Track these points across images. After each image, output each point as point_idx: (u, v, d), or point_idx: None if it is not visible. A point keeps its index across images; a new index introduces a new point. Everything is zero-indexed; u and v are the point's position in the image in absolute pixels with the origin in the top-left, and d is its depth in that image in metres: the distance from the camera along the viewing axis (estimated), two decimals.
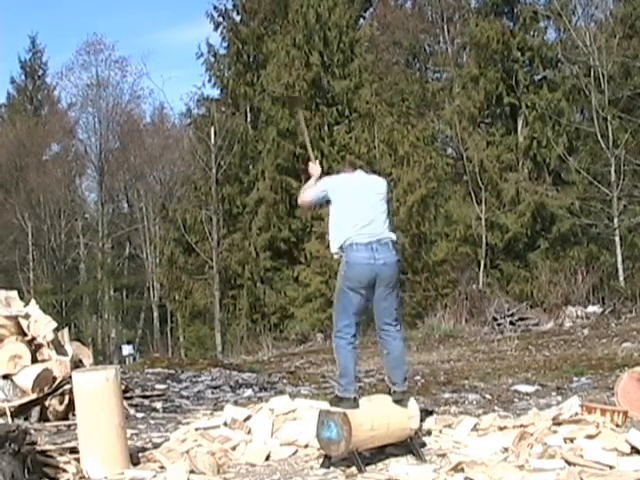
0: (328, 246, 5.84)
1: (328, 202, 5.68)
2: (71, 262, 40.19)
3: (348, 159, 5.55)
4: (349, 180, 5.74)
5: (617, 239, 23.98)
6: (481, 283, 23.65)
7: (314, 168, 5.92)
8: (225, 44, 31.22)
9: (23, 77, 45.93)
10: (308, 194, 5.84)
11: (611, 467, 4.99)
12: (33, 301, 8.50)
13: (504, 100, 27.59)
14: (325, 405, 6.04)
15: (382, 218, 5.59)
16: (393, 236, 5.61)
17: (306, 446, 5.85)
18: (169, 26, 70.44)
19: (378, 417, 5.42)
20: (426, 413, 6.78)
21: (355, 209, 5.53)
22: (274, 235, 27.95)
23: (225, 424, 6.16)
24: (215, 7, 30.97)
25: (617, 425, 5.89)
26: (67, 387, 7.42)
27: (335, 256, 5.60)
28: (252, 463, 5.65)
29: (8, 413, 7.25)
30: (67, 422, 7.34)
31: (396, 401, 5.58)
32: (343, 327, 5.44)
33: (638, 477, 4.81)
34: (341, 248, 5.48)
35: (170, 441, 6.13)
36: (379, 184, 5.77)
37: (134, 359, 25.45)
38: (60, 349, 8.13)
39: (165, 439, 6.33)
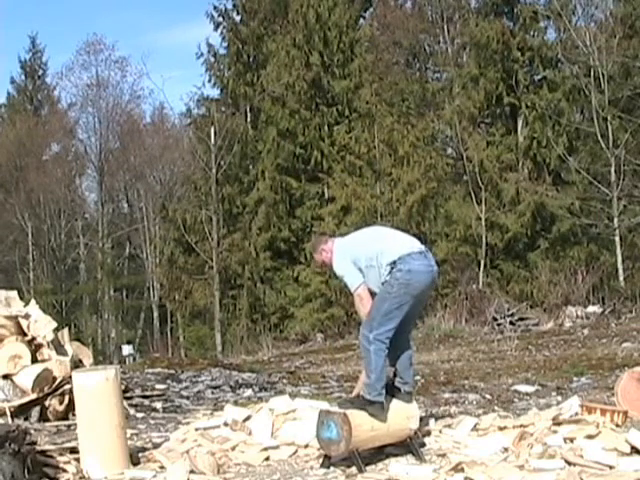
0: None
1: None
2: (71, 262, 40.17)
3: (315, 242, 5.55)
4: (349, 236, 5.84)
5: (617, 239, 23.97)
6: (481, 283, 23.65)
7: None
8: (225, 44, 31.26)
9: (23, 77, 45.93)
10: (356, 287, 5.51)
11: (611, 467, 4.99)
12: (33, 301, 8.50)
13: (504, 100, 27.58)
14: (325, 405, 6.04)
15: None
16: None
17: (306, 446, 5.85)
18: (169, 26, 70.54)
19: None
20: (426, 413, 6.78)
21: (381, 232, 5.83)
22: (274, 235, 27.95)
23: (225, 424, 6.16)
24: (215, 7, 31.05)
25: (617, 425, 5.89)
26: (67, 387, 7.42)
27: (387, 277, 5.48)
28: (252, 463, 5.65)
29: (8, 413, 7.25)
30: (67, 422, 7.34)
31: (404, 401, 5.60)
32: (386, 332, 5.38)
33: (638, 477, 4.81)
34: (393, 262, 5.44)
35: (170, 441, 6.13)
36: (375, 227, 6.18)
37: (134, 359, 25.42)
38: (60, 349, 8.13)
39: (165, 439, 6.33)
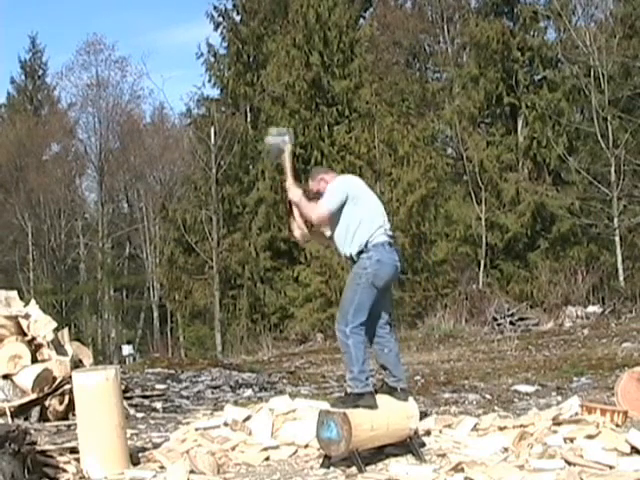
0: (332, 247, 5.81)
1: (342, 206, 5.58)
2: (71, 262, 40.17)
3: (316, 170, 5.44)
4: (357, 180, 5.83)
5: (617, 239, 23.97)
6: (481, 283, 23.66)
7: (293, 191, 5.74)
8: (225, 44, 31.25)
9: (23, 77, 45.92)
10: (325, 206, 5.55)
11: (611, 467, 4.99)
12: (33, 301, 8.50)
13: (504, 100, 27.59)
14: (325, 405, 6.03)
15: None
16: None
17: (306, 446, 5.85)
18: (169, 26, 70.55)
19: (378, 417, 5.41)
20: (426, 413, 6.78)
21: (377, 207, 5.67)
22: (274, 235, 27.93)
23: (225, 424, 6.16)
24: (215, 7, 31.03)
25: (617, 425, 5.89)
26: (67, 387, 7.42)
27: (352, 254, 5.53)
28: (252, 463, 5.65)
29: (8, 413, 7.25)
30: (67, 422, 7.34)
31: (401, 399, 5.60)
32: (359, 324, 5.44)
33: (638, 477, 4.82)
34: (366, 245, 5.48)
35: (170, 441, 6.14)
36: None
37: (134, 359, 25.41)
38: (60, 349, 8.13)
39: (165, 439, 6.33)
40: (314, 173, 5.94)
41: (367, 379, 5.44)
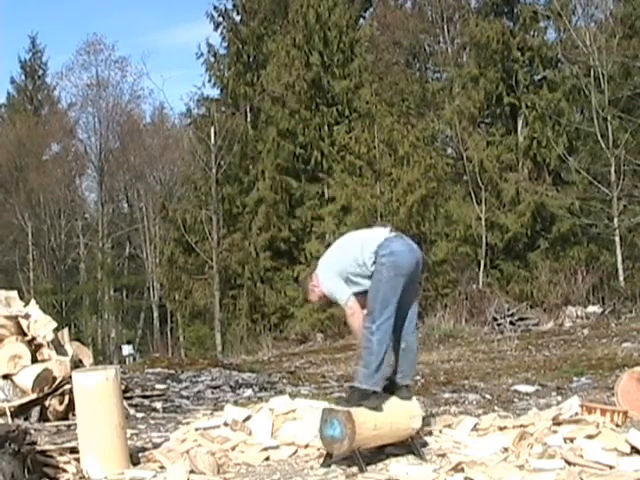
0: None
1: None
2: (71, 262, 40.18)
3: (302, 284, 5.56)
4: (331, 251, 5.80)
5: (617, 239, 23.97)
6: (481, 283, 23.66)
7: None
8: (225, 44, 31.26)
9: (23, 77, 45.92)
10: (347, 306, 5.46)
11: (611, 467, 4.99)
12: (33, 301, 8.50)
13: (504, 100, 27.60)
14: (325, 404, 6.03)
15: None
16: None
17: (306, 446, 5.84)
18: (169, 26, 70.57)
19: (381, 416, 5.40)
20: (426, 413, 6.78)
21: (355, 234, 5.80)
22: (274, 235, 27.93)
23: (225, 424, 6.16)
24: (215, 7, 31.04)
25: (617, 425, 5.89)
26: (67, 387, 7.42)
27: (373, 267, 5.47)
28: (252, 463, 5.65)
29: (8, 413, 7.25)
30: (67, 422, 7.34)
31: (404, 397, 5.58)
32: (386, 319, 5.34)
33: (638, 477, 4.81)
34: (374, 253, 5.44)
35: (170, 441, 6.13)
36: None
37: (134, 359, 25.43)
38: (60, 349, 8.13)
39: (165, 439, 6.33)
40: (305, 289, 5.98)
41: (379, 380, 5.39)
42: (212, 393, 9.64)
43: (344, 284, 5.47)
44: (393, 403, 5.52)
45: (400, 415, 5.52)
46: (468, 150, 26.37)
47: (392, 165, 25.09)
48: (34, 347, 7.93)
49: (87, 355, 8.66)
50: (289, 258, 28.12)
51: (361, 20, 32.39)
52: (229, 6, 31.30)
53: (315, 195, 28.29)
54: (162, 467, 5.51)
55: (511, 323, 17.94)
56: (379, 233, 5.59)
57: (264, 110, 28.72)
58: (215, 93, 32.04)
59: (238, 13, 31.44)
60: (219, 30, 31.18)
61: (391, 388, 5.60)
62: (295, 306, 26.54)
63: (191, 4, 65.51)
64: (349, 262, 5.49)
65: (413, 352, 5.68)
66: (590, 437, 5.47)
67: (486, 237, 25.72)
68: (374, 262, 5.43)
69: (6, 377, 7.62)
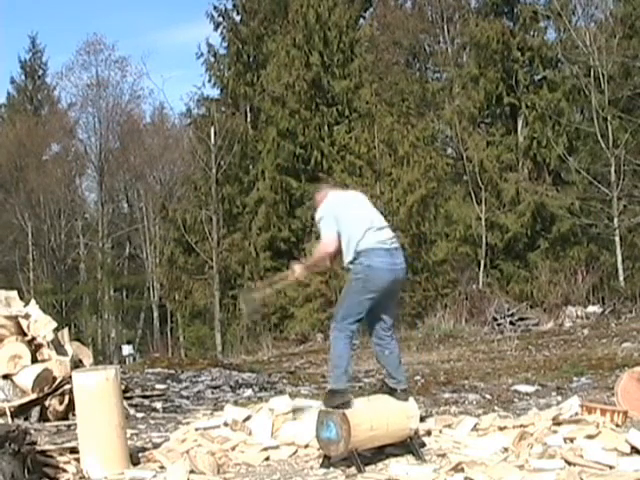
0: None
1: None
2: (71, 262, 40.15)
3: (323, 179, 5.46)
4: (341, 195, 5.90)
5: (617, 239, 23.97)
6: (481, 283, 23.65)
7: (297, 271, 5.92)
8: (225, 44, 31.27)
9: (23, 77, 45.91)
10: (325, 238, 5.62)
11: (611, 467, 4.99)
12: (33, 301, 8.50)
13: (504, 100, 27.60)
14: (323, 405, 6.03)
15: (387, 224, 5.76)
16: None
17: (306, 446, 5.84)
18: (169, 26, 70.51)
19: (377, 417, 5.41)
20: (426, 413, 6.78)
21: (364, 215, 5.66)
22: (274, 235, 27.93)
23: (225, 424, 6.16)
24: (215, 7, 31.06)
25: (617, 425, 5.89)
26: (67, 387, 7.42)
27: (350, 265, 5.56)
28: (252, 463, 5.65)
29: (8, 413, 7.25)
30: (67, 422, 7.34)
31: (401, 400, 5.60)
32: (348, 323, 5.51)
33: (638, 477, 4.81)
34: (357, 253, 5.48)
35: (170, 441, 6.13)
36: (363, 196, 6.02)
37: (134, 359, 25.43)
38: (60, 349, 8.13)
39: (165, 439, 6.33)
40: (318, 192, 6.09)
41: (341, 374, 5.48)
42: (212, 393, 9.64)
43: (334, 223, 5.58)
44: (389, 404, 5.54)
45: (397, 416, 5.52)
46: (468, 150, 26.37)
47: (392, 165, 25.09)
48: (34, 347, 7.94)
49: (87, 355, 8.66)
50: (289, 258, 27.97)
51: (361, 20, 32.40)
52: (229, 6, 31.37)
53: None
54: (162, 467, 5.52)
55: (511, 323, 17.92)
56: (375, 237, 5.55)
57: (264, 110, 28.72)
58: (215, 93, 32.11)
59: (238, 13, 31.46)
60: (219, 30, 31.23)
61: (387, 391, 5.67)
62: (295, 306, 26.53)
63: (191, 4, 65.56)
64: (342, 225, 5.56)
65: (396, 355, 5.73)
66: (590, 437, 5.47)
67: (486, 237, 25.71)
68: (351, 261, 5.51)
69: (6, 377, 7.62)
